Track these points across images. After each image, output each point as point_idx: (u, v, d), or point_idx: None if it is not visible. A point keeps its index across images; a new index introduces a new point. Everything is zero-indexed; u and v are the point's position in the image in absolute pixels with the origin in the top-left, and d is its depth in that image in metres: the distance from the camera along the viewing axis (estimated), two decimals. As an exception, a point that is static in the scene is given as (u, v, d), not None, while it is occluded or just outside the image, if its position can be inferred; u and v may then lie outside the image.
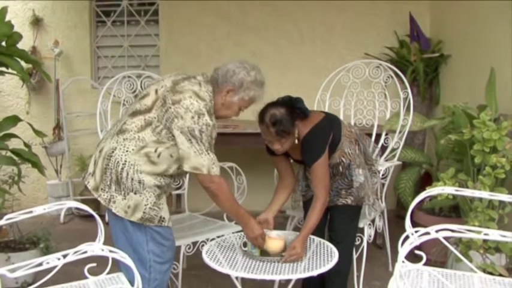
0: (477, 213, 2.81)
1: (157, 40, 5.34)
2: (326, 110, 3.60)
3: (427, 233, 1.67)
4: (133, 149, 2.20)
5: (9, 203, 3.37)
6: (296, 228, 3.05)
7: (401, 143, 3.45)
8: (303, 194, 2.87)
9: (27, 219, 2.10)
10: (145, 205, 2.20)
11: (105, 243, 1.90)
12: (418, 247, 1.69)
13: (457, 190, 2.31)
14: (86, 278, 2.03)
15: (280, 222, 3.13)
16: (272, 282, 2.70)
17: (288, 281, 2.36)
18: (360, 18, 5.05)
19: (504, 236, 1.63)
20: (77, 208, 2.74)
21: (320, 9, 5.07)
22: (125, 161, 2.19)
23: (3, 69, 3.04)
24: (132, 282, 1.88)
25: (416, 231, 1.75)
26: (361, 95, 3.69)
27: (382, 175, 3.23)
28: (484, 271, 2.35)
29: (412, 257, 1.76)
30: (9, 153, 3.08)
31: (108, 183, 2.22)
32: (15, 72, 3.03)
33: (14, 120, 3.14)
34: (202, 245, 2.75)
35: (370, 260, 3.28)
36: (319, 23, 5.10)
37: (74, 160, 5.14)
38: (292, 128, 2.45)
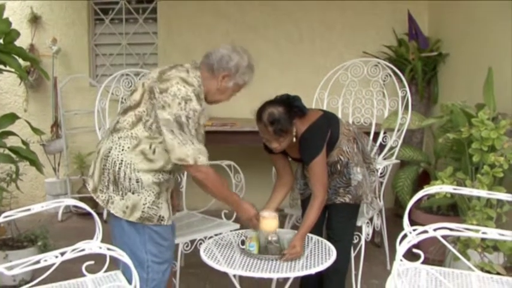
0: (475, 212, 2.81)
1: (156, 38, 5.33)
2: (324, 108, 3.60)
3: (425, 232, 1.67)
4: (128, 147, 2.18)
5: (7, 200, 3.37)
6: (294, 227, 3.05)
7: (400, 142, 3.45)
8: (301, 193, 2.87)
9: (25, 217, 2.10)
10: (143, 204, 2.19)
11: (103, 241, 1.89)
12: (416, 245, 1.69)
13: (455, 189, 2.31)
14: (83, 275, 2.04)
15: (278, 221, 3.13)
16: (270, 280, 2.70)
17: (286, 279, 2.36)
18: (359, 17, 5.05)
19: (502, 235, 1.63)
20: (74, 206, 2.74)
21: (319, 8, 5.06)
22: (122, 160, 2.18)
23: (1, 66, 3.03)
24: (130, 281, 1.87)
25: (414, 230, 1.75)
26: (359, 93, 3.69)
27: (380, 173, 3.23)
28: (482, 270, 2.35)
29: (410, 256, 1.76)
30: (7, 151, 3.07)
31: (106, 184, 2.21)
32: (13, 69, 3.02)
33: (12, 118, 3.13)
34: (200, 243, 2.75)
35: (368, 259, 3.28)
36: (318, 23, 5.10)
37: (72, 158, 5.14)
38: (290, 126, 2.45)
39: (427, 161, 3.94)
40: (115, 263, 2.10)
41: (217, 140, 3.99)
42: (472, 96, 3.47)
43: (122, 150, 2.18)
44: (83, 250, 1.63)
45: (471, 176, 3.01)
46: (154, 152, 2.18)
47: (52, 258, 1.59)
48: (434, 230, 1.65)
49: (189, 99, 2.14)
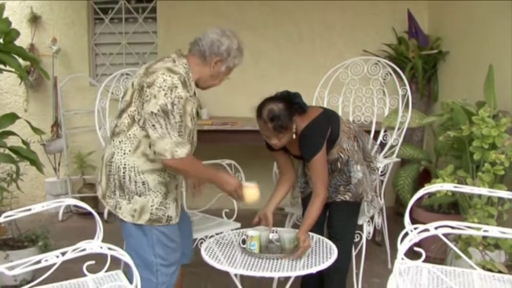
0: (476, 210, 2.81)
1: (155, 38, 5.32)
2: (325, 106, 3.59)
3: (427, 230, 1.67)
4: (130, 150, 2.19)
5: (8, 200, 3.37)
6: (295, 226, 3.05)
7: (400, 140, 3.44)
8: (301, 191, 2.87)
9: (26, 217, 2.10)
10: (151, 206, 2.20)
11: (103, 240, 1.89)
12: (417, 244, 1.69)
13: (456, 187, 2.31)
14: (84, 275, 2.04)
15: (279, 220, 3.13)
16: (271, 279, 2.70)
17: (287, 278, 2.36)
18: (358, 17, 5.04)
19: (504, 233, 1.63)
20: (75, 206, 2.74)
21: (319, 8, 5.06)
22: (125, 164, 2.18)
23: (1, 66, 3.03)
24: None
25: (415, 228, 1.74)
26: (359, 92, 3.69)
27: (381, 172, 3.23)
28: (484, 268, 2.35)
29: (411, 254, 1.76)
30: (7, 151, 3.07)
31: (113, 189, 2.22)
32: (13, 69, 3.02)
33: (12, 117, 3.13)
34: (201, 243, 2.74)
35: (369, 257, 3.28)
36: (318, 23, 5.10)
37: (72, 158, 5.13)
38: (290, 123, 2.45)
39: (427, 159, 3.93)
40: (117, 263, 2.10)
41: (218, 139, 3.99)
42: (473, 94, 3.47)
43: (124, 154, 2.19)
44: (83, 250, 1.63)
45: (472, 174, 3.01)
46: (154, 152, 2.17)
47: (53, 258, 1.59)
48: (436, 228, 1.65)
49: (175, 87, 2.10)
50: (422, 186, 2.35)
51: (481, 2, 3.80)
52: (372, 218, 3.16)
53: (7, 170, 3.43)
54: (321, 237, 2.59)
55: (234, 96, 4.85)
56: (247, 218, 2.89)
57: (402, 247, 1.69)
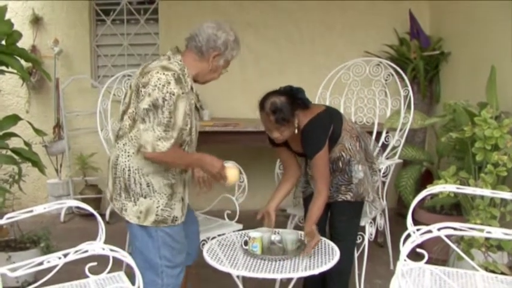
0: (479, 211, 2.81)
1: (157, 39, 5.33)
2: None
3: (429, 231, 1.66)
4: (133, 152, 2.19)
5: (10, 202, 3.37)
6: (297, 227, 3.05)
7: (402, 141, 3.44)
8: (302, 191, 2.87)
9: (28, 218, 2.10)
10: (156, 207, 2.20)
11: (105, 242, 1.89)
12: (420, 245, 1.68)
13: (458, 188, 2.30)
14: (86, 277, 2.04)
15: (281, 221, 3.13)
16: (273, 281, 2.70)
17: (289, 279, 2.35)
18: (359, 17, 5.04)
19: (507, 234, 1.62)
20: (77, 207, 2.74)
21: (320, 8, 5.06)
22: (130, 166, 2.19)
23: (3, 68, 3.03)
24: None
25: (418, 230, 1.74)
26: (361, 93, 3.68)
27: (383, 173, 3.23)
28: (486, 269, 2.34)
29: (414, 256, 1.75)
30: (9, 152, 3.07)
31: (119, 191, 2.23)
32: (15, 71, 3.02)
33: (14, 119, 3.13)
34: (203, 244, 2.74)
35: (371, 259, 3.28)
36: (318, 23, 5.10)
37: (74, 159, 5.13)
38: (292, 117, 2.45)
39: (429, 160, 3.93)
40: (122, 266, 2.10)
41: (220, 140, 3.99)
42: (475, 95, 3.46)
43: (128, 156, 2.20)
44: (86, 251, 1.63)
45: (474, 175, 3.00)
46: (140, 144, 2.16)
47: (55, 259, 1.59)
48: (438, 229, 1.65)
49: (167, 83, 2.10)
50: (425, 187, 2.34)
51: (482, 3, 3.80)
52: (374, 219, 3.15)
53: (9, 171, 3.44)
54: (323, 238, 2.59)
55: (234, 97, 4.85)
56: (249, 220, 2.90)
57: (405, 248, 1.68)
